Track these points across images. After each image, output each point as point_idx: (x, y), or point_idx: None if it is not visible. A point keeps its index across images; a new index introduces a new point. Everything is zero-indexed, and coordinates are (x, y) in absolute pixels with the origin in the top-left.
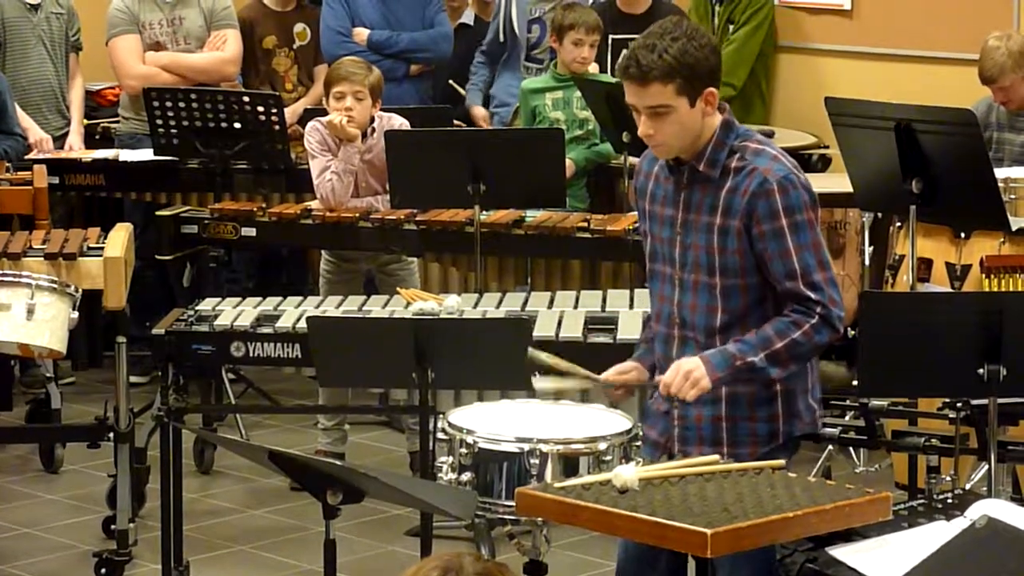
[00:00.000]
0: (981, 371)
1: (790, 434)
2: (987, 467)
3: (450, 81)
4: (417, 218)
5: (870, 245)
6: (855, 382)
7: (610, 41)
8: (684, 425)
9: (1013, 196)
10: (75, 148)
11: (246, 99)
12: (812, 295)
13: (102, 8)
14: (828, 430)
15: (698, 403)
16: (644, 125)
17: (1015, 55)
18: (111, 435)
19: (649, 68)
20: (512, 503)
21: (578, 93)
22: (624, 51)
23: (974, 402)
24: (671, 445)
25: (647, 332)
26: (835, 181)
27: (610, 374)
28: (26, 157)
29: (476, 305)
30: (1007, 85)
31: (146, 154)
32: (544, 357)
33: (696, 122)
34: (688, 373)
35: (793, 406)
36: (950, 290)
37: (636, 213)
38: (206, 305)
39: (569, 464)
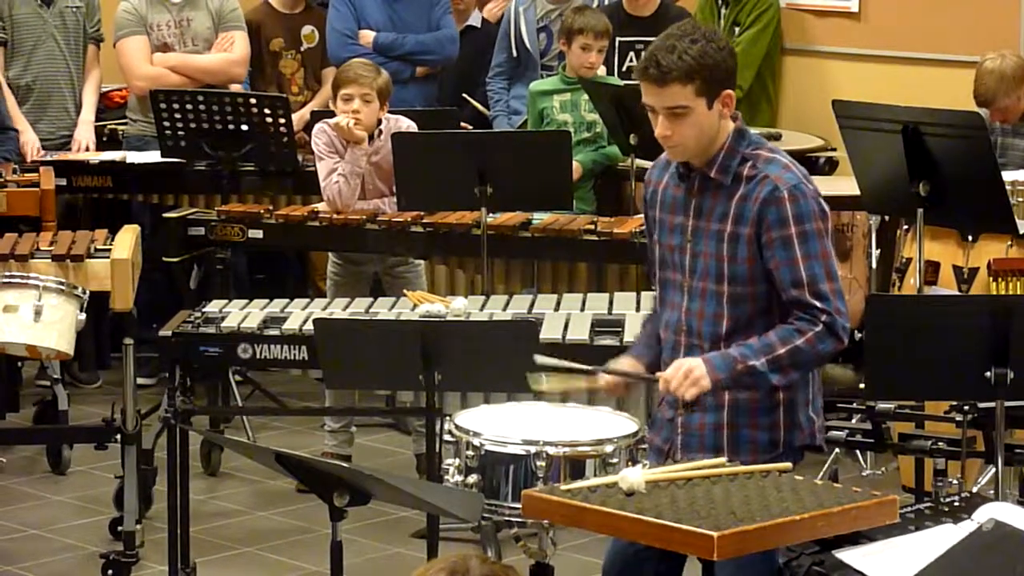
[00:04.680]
0: (988, 374)
1: (791, 444)
2: (994, 470)
3: (464, 95)
4: (424, 220)
5: (877, 248)
6: (862, 385)
7: (617, 43)
8: (687, 432)
9: (1021, 199)
10: (82, 141)
11: (253, 101)
12: (818, 304)
13: (110, 9)
14: (835, 433)
15: (701, 410)
16: (661, 126)
17: (1008, 79)
18: (118, 437)
19: (669, 69)
20: (519, 505)
21: (586, 96)
22: (631, 53)
23: (981, 405)
24: (673, 452)
25: (646, 330)
26: (842, 184)
27: (613, 377)
28: (32, 159)
29: (483, 307)
30: (1002, 107)
31: (153, 156)
32: (551, 363)
33: (713, 124)
34: (688, 372)
35: (795, 416)
36: (957, 293)
37: (643, 216)
38: (213, 307)
39: (575, 467)
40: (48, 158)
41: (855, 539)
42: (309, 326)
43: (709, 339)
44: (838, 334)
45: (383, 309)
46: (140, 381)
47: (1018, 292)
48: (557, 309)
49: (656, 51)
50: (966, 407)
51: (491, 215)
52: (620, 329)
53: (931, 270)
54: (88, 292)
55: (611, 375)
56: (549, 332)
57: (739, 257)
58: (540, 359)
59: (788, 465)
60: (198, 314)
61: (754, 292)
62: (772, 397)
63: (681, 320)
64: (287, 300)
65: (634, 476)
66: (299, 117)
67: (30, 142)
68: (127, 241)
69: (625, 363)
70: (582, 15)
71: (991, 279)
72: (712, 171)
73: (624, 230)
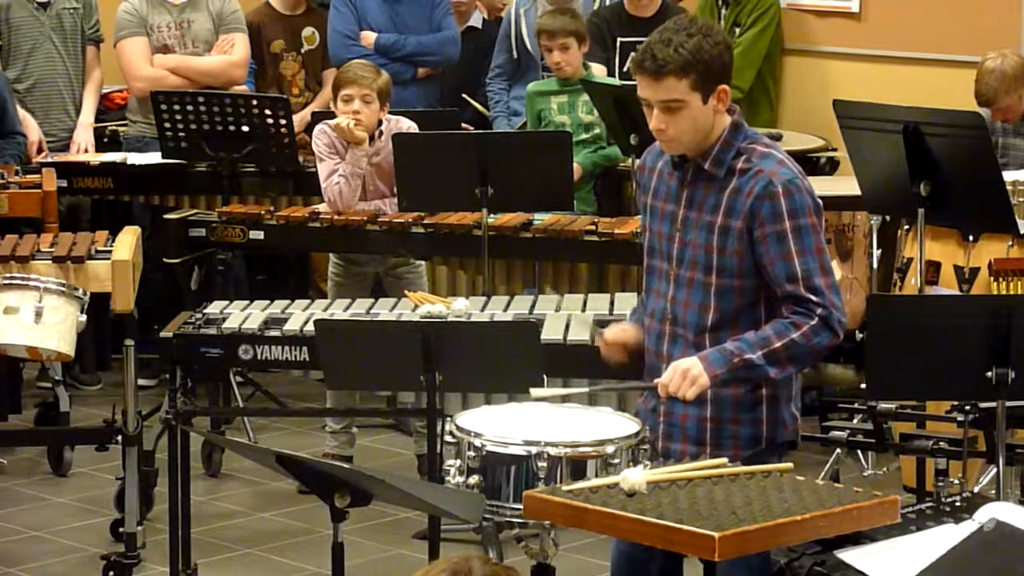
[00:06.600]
0: (989, 374)
1: (773, 440)
2: (995, 470)
3: (464, 96)
4: (425, 221)
5: (878, 248)
6: (863, 385)
7: (618, 44)
8: (669, 422)
9: (1022, 199)
10: (81, 144)
11: (254, 102)
12: (813, 298)
13: (110, 10)
14: (836, 433)
15: (686, 402)
16: (656, 120)
17: (1009, 78)
18: (119, 438)
19: (665, 62)
20: (520, 506)
21: (583, 98)
22: (632, 54)
23: (982, 405)
24: (656, 442)
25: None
26: (843, 184)
27: (610, 333)
28: (35, 160)
29: (484, 308)
30: (1004, 107)
31: (154, 157)
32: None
33: (708, 118)
34: (686, 372)
35: (778, 413)
36: (958, 293)
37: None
38: (214, 308)
39: (577, 467)
40: (49, 159)
41: (856, 539)
42: (310, 327)
43: (694, 329)
44: (834, 328)
45: (384, 310)
46: (141, 382)
47: (1019, 292)
48: (558, 310)
49: (652, 44)
50: (967, 407)
51: (492, 216)
52: None
53: (932, 270)
54: (89, 293)
55: (608, 349)
56: (550, 333)
57: (728, 249)
58: (536, 393)
59: (789, 465)
60: (199, 315)
61: (742, 285)
62: (755, 393)
63: (667, 309)
64: (288, 301)
65: (635, 476)
66: (300, 118)
67: (38, 141)
68: (128, 242)
69: (625, 325)
70: (544, 16)
71: (992, 279)
72: (706, 163)
73: (625, 231)
